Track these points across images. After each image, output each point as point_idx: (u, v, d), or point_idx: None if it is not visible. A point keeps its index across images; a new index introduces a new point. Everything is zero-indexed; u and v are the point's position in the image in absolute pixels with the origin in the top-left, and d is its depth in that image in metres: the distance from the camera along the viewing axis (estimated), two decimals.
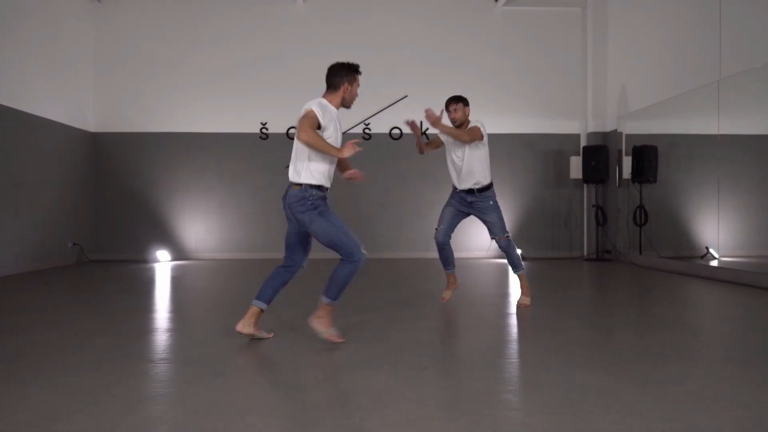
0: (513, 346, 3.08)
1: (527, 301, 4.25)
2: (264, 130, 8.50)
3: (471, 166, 4.27)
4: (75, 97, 7.99)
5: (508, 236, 4.31)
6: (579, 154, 8.59)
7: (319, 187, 3.13)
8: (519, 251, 8.19)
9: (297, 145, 3.17)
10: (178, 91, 8.44)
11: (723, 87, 6.00)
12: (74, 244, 7.79)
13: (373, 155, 8.54)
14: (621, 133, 8.10)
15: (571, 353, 2.84)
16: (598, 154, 8.02)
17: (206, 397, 2.19)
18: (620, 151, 8.09)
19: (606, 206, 8.28)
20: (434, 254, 8.31)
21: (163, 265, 7.60)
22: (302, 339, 3.18)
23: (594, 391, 2.21)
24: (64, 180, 7.66)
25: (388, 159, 8.51)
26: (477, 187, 4.28)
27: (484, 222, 4.35)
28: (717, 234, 6.28)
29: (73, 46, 7.96)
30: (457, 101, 4.34)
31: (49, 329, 3.45)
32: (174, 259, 8.19)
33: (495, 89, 8.64)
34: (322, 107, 3.18)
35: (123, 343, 3.13)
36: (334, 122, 3.22)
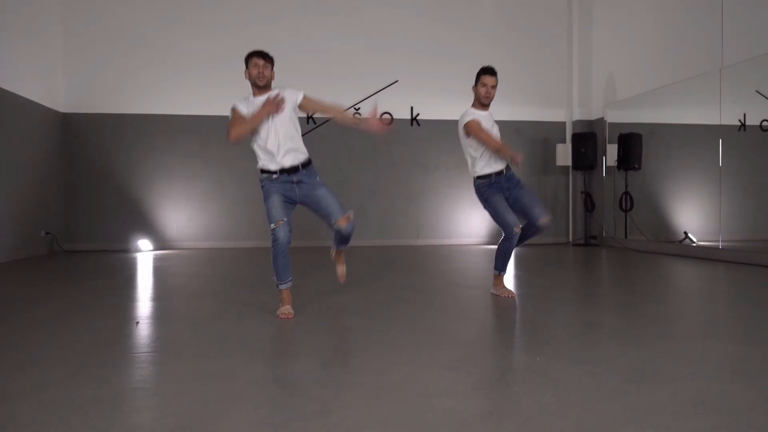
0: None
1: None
2: None
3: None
4: (42, 71, 7.30)
5: None
6: (565, 142, 8.75)
7: (262, 170, 3.34)
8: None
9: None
10: (159, 70, 7.91)
11: (725, 76, 6.25)
12: (47, 233, 7.16)
13: (363, 141, 8.37)
14: (605, 122, 8.31)
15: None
16: (587, 141, 8.19)
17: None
18: (605, 139, 8.31)
19: (593, 193, 8.49)
20: (426, 242, 8.33)
21: (144, 254, 7.13)
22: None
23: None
24: (34, 163, 7.00)
25: (379, 144, 8.34)
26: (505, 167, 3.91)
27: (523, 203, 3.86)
28: (719, 220, 6.53)
29: (39, 13, 7.26)
30: (495, 74, 4.00)
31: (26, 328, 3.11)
32: (156, 248, 7.70)
33: None
34: (244, 100, 3.42)
35: (104, 339, 2.86)
36: (254, 104, 3.37)
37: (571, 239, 8.74)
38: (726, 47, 6.22)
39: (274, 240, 3.17)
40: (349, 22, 8.34)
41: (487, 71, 4.00)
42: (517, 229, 3.78)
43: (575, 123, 8.71)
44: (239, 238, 8.00)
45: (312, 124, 8.19)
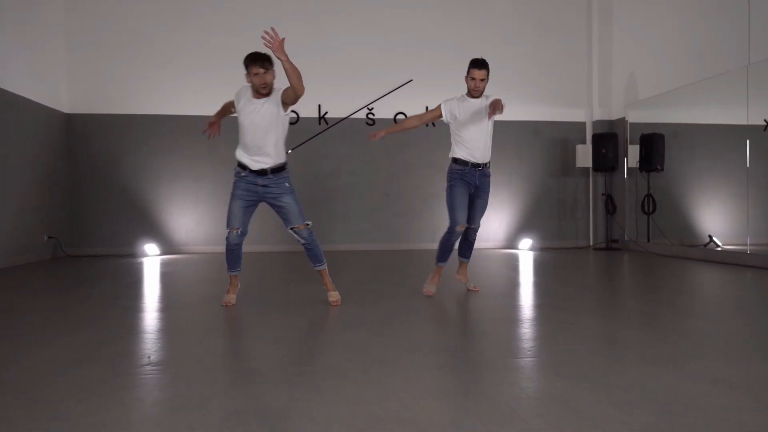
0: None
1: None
2: None
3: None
4: (45, 71, 7.17)
5: None
6: (585, 143, 8.43)
7: (238, 161, 3.54)
8: (530, 241, 8.10)
9: None
10: (165, 70, 7.75)
11: (753, 73, 5.90)
12: (50, 237, 7.04)
13: (377, 142, 8.12)
14: (627, 122, 7.98)
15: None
16: (608, 142, 7.87)
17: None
18: (626, 140, 7.98)
19: (615, 195, 8.15)
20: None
21: (150, 259, 6.97)
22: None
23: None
24: (37, 165, 6.87)
25: (393, 146, 8.10)
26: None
27: None
28: (746, 223, 6.17)
29: (42, 12, 7.15)
30: (485, 68, 3.90)
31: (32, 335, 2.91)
32: (163, 253, 7.54)
33: (501, 75, 8.30)
34: (244, 94, 3.50)
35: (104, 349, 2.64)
36: (249, 103, 3.45)
37: (591, 243, 8.41)
38: (753, 43, 5.87)
39: (227, 240, 3.58)
40: (363, 20, 8.11)
41: (476, 64, 3.87)
42: (460, 228, 3.89)
43: (595, 123, 8.38)
44: (249, 242, 7.77)
45: (324, 125, 7.98)
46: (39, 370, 2.29)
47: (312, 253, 3.68)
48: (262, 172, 3.48)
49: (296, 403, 1.88)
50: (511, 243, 8.30)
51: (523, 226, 8.35)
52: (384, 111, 8.12)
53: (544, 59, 8.42)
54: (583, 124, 8.52)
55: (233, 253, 3.63)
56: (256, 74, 3.35)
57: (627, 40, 8.01)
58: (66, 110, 7.57)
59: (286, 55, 3.15)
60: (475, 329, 3.02)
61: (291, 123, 8.12)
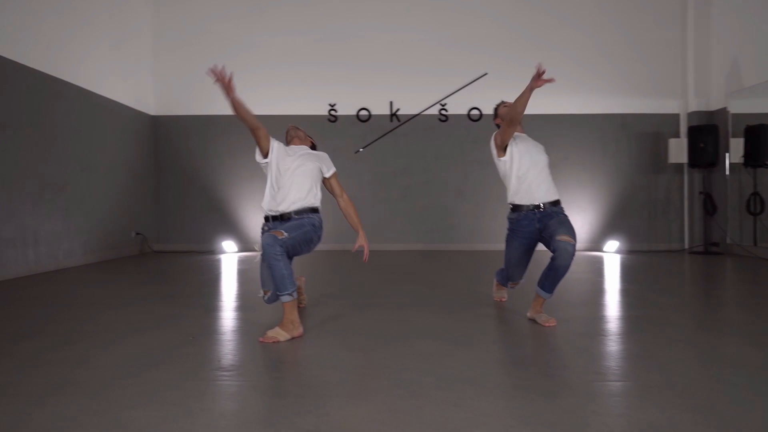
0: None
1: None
2: (333, 112, 7.90)
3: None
4: (135, 76, 7.51)
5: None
6: (679, 136, 7.77)
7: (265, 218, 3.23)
8: (617, 243, 7.53)
9: None
10: (241, 73, 7.88)
11: None
12: (137, 234, 7.33)
13: (450, 139, 7.89)
14: (728, 112, 7.26)
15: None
16: (708, 135, 7.20)
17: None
18: (728, 132, 7.26)
19: (714, 193, 7.46)
20: None
21: (228, 256, 7.09)
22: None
23: None
24: (126, 165, 7.20)
25: (467, 142, 7.83)
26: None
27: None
28: None
29: (133, 23, 7.47)
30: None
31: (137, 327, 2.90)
32: (240, 250, 7.68)
33: (584, 66, 7.88)
34: (282, 144, 3.33)
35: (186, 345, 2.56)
36: (286, 158, 3.22)
37: (687, 246, 7.74)
38: None
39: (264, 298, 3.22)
40: (434, 13, 7.89)
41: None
42: (512, 285, 3.64)
43: (691, 115, 7.71)
44: (324, 240, 7.77)
45: (396, 122, 7.83)
46: (112, 370, 2.26)
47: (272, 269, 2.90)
48: (284, 216, 3.14)
49: (371, 426, 1.71)
50: (596, 245, 7.80)
51: (609, 227, 7.83)
52: (457, 106, 7.86)
53: (632, 46, 7.84)
54: (677, 116, 7.86)
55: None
56: (291, 139, 3.45)
57: (728, 22, 7.30)
58: (152, 112, 7.87)
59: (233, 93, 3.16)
60: (562, 344, 2.74)
61: (362, 120, 8.14)
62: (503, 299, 3.81)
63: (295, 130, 3.49)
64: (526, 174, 3.30)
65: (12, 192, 5.15)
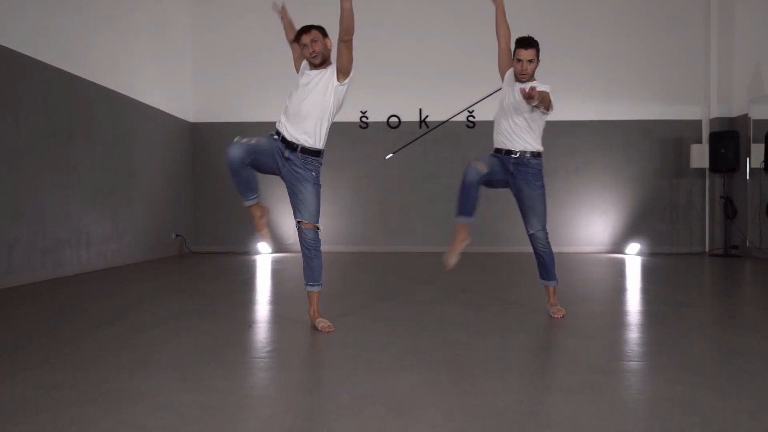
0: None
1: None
2: (364, 119, 8.23)
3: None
4: (175, 85, 7.94)
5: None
6: (701, 142, 7.93)
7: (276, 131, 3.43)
8: (638, 246, 7.73)
9: None
10: (277, 80, 8.26)
11: None
12: (177, 235, 7.75)
13: (478, 144, 8.14)
14: (749, 119, 7.40)
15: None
16: (729, 141, 7.35)
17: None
18: (749, 138, 7.40)
19: (735, 198, 7.60)
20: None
21: (263, 257, 7.47)
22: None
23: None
24: (166, 169, 7.62)
25: (491, 148, 8.07)
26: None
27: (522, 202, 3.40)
28: None
29: (173, 35, 7.90)
30: (533, 46, 3.52)
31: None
32: (274, 251, 8.05)
33: (606, 72, 8.08)
34: (306, 66, 3.42)
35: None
36: (304, 75, 3.36)
37: (707, 249, 7.88)
38: None
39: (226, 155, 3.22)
40: (463, 21, 8.15)
41: (522, 43, 3.49)
42: (478, 165, 3.48)
43: (713, 121, 7.86)
44: (356, 242, 8.11)
45: (425, 128, 8.12)
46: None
47: (310, 266, 3.09)
48: (292, 146, 3.22)
49: (418, 392, 2.01)
50: (617, 247, 7.98)
51: (631, 230, 8.00)
52: (485, 113, 8.12)
53: (655, 53, 8.01)
54: (699, 122, 8.01)
55: (236, 175, 3.25)
56: (303, 46, 3.30)
57: (752, 26, 7.42)
58: (191, 119, 8.30)
59: None
60: (582, 332, 3.00)
61: (392, 127, 8.47)
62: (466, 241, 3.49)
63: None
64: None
65: (67, 196, 5.56)
